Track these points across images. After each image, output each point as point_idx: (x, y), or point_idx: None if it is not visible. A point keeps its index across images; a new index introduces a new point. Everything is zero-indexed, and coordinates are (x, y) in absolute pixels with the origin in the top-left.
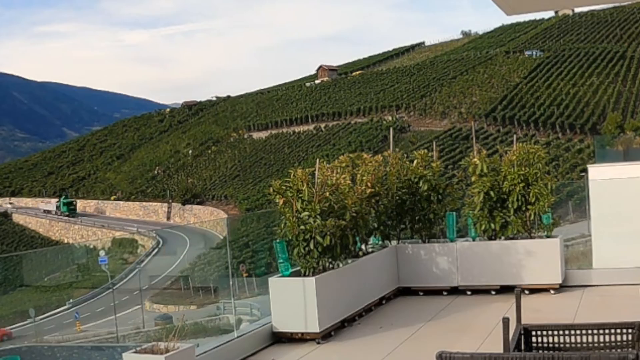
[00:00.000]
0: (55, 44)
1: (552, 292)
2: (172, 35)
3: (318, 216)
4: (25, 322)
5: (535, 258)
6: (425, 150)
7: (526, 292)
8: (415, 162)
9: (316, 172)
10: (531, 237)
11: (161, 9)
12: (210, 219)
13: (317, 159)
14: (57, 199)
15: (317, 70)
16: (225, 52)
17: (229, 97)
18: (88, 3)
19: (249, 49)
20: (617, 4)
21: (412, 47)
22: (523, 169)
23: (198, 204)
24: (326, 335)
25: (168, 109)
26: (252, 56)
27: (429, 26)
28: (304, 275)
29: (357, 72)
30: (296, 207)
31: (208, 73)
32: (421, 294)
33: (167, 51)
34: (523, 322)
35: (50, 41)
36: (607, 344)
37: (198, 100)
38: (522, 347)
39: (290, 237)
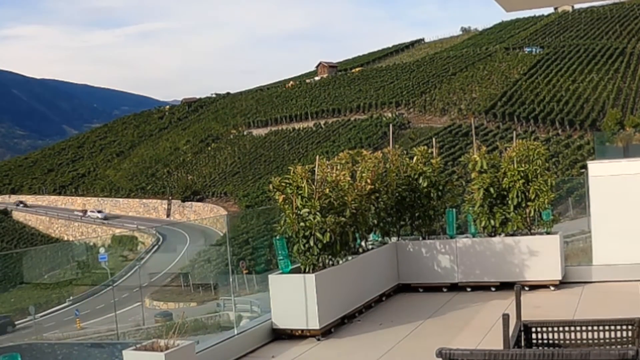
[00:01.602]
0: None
1: (552, 288)
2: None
3: (318, 213)
4: (25, 320)
5: (535, 255)
6: (425, 147)
7: (526, 288)
8: (415, 158)
9: (316, 169)
10: (531, 234)
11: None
12: (210, 215)
13: (317, 156)
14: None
15: (317, 67)
16: (222, 51)
17: (228, 94)
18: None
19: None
20: (616, 1)
21: (412, 43)
22: (523, 165)
23: (198, 201)
24: (326, 332)
25: (167, 106)
26: (248, 54)
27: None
28: (304, 272)
29: (357, 69)
30: (296, 204)
31: (204, 71)
32: (421, 290)
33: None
34: (523, 318)
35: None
36: (607, 341)
37: (197, 97)
38: (522, 343)
39: (290, 234)
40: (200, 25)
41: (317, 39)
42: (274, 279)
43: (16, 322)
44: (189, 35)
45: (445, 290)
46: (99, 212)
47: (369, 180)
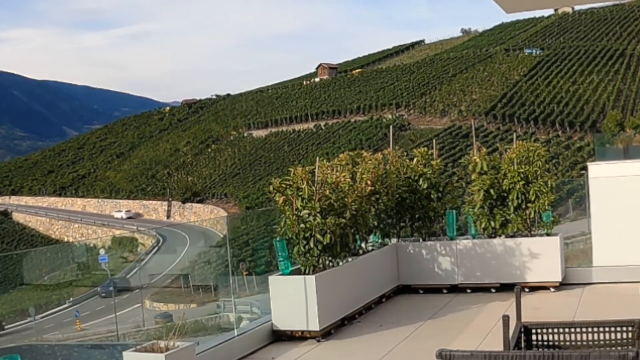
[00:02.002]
0: None
1: (552, 290)
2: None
3: (318, 214)
4: (25, 321)
5: (535, 256)
6: (425, 148)
7: (526, 290)
8: (415, 160)
9: (316, 171)
10: (531, 235)
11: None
12: (210, 217)
13: (317, 157)
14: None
15: (317, 68)
16: (221, 52)
17: (228, 95)
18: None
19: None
20: (616, 2)
21: (412, 45)
22: (523, 166)
23: (198, 202)
24: (326, 334)
25: (168, 108)
26: (246, 55)
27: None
28: (304, 274)
29: (357, 70)
30: (296, 205)
31: (206, 72)
32: (421, 292)
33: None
34: (523, 320)
35: None
36: (607, 342)
37: (198, 98)
38: (522, 345)
39: (290, 236)
40: (198, 26)
41: (317, 40)
42: (274, 280)
43: (16, 324)
44: (187, 37)
45: (445, 291)
46: None
47: (369, 182)
